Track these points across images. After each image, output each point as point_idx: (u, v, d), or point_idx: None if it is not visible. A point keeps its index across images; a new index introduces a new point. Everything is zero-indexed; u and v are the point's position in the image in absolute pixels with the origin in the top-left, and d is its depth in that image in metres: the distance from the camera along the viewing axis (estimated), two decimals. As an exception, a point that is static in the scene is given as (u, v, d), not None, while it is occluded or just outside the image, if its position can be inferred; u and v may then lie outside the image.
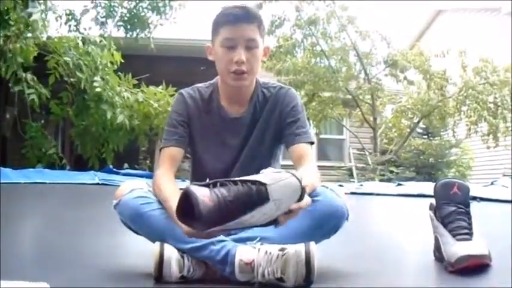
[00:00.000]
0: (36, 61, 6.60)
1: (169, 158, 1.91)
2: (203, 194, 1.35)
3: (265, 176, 1.41)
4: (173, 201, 1.51)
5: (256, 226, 1.46)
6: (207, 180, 1.41)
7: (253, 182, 1.38)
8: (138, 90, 7.13)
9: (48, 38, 6.92)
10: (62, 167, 6.92)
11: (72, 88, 6.98)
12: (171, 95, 6.85)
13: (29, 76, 6.43)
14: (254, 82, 1.99)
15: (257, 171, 1.96)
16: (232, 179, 1.40)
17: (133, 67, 7.34)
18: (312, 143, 1.95)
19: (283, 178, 1.40)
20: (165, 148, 1.94)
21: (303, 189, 1.43)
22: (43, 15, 6.81)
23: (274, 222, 1.44)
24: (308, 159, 1.89)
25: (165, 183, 1.81)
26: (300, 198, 1.43)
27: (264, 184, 1.37)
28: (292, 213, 1.45)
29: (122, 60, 7.12)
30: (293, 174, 1.42)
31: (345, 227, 1.79)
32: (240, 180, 1.39)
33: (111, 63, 7.04)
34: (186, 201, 1.38)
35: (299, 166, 1.86)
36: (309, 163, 1.87)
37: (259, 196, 1.36)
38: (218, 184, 1.38)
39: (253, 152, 1.96)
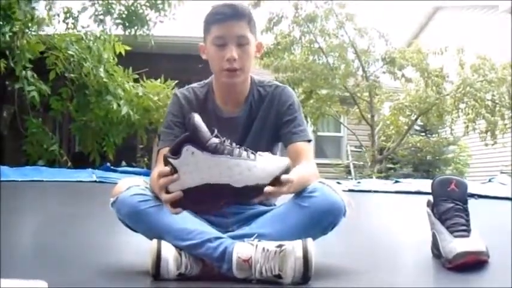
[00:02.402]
0: (35, 58, 6.60)
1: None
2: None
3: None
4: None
5: (245, 200, 1.64)
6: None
7: (245, 149, 1.58)
8: (138, 84, 7.15)
9: (48, 35, 6.93)
10: (64, 164, 6.91)
11: (71, 84, 6.98)
12: (172, 88, 6.89)
13: (29, 73, 6.43)
14: (249, 80, 1.98)
15: None
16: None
17: (131, 65, 7.34)
18: (309, 141, 1.95)
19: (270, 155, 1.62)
20: (162, 148, 1.94)
21: (288, 166, 1.57)
22: (47, 8, 6.85)
23: (258, 190, 1.54)
24: (306, 157, 1.89)
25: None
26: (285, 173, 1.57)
27: (253, 152, 1.58)
28: (276, 188, 1.54)
29: (128, 48, 7.13)
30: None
31: (342, 224, 1.79)
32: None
33: (113, 58, 7.05)
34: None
35: (297, 164, 1.85)
36: (307, 161, 1.87)
37: (248, 155, 1.56)
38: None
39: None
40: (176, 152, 1.55)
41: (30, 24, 6.60)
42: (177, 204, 1.55)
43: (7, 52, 6.39)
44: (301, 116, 1.98)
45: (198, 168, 1.49)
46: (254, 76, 2.01)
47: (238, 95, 1.97)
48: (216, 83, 1.98)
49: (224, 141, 1.54)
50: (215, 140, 1.52)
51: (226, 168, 1.50)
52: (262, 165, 1.51)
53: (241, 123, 1.96)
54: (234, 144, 1.55)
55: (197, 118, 1.52)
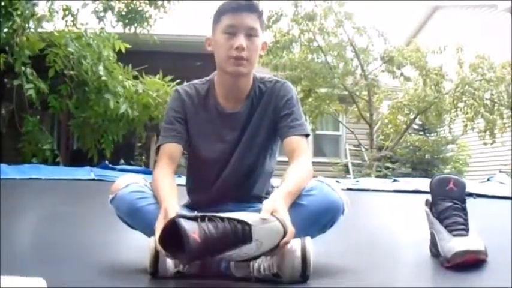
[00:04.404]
0: (34, 56, 6.60)
1: (167, 154, 1.90)
2: (192, 230, 1.40)
3: (252, 216, 1.49)
4: (167, 203, 1.64)
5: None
6: (196, 213, 1.51)
7: (240, 221, 1.45)
8: (137, 81, 7.15)
9: (48, 32, 6.93)
10: (56, 164, 6.89)
11: (70, 81, 6.97)
12: (172, 86, 6.89)
13: (28, 70, 6.42)
14: (251, 77, 1.98)
15: (251, 165, 1.95)
16: (219, 214, 1.47)
17: (130, 62, 7.33)
18: (307, 135, 1.94)
19: (268, 221, 1.50)
20: (163, 145, 1.93)
21: (285, 233, 1.51)
22: (49, 5, 6.85)
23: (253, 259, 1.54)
24: (302, 152, 1.87)
25: (162, 180, 1.80)
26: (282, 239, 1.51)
27: (249, 225, 1.45)
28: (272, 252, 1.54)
29: (128, 46, 7.12)
30: (278, 219, 1.52)
31: (341, 223, 1.78)
32: (228, 218, 1.46)
33: (113, 55, 7.05)
34: (172, 230, 1.43)
35: (292, 160, 1.85)
36: (302, 157, 1.86)
37: (243, 235, 1.45)
38: (206, 219, 1.44)
39: (248, 146, 1.94)
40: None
41: (30, 21, 6.59)
42: None
43: (6, 48, 6.39)
44: (299, 111, 1.97)
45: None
46: (256, 73, 2.01)
47: (240, 91, 1.96)
48: (220, 78, 1.98)
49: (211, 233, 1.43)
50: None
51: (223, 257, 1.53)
52: (259, 242, 1.46)
53: (242, 119, 1.95)
54: (226, 224, 1.44)
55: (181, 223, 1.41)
